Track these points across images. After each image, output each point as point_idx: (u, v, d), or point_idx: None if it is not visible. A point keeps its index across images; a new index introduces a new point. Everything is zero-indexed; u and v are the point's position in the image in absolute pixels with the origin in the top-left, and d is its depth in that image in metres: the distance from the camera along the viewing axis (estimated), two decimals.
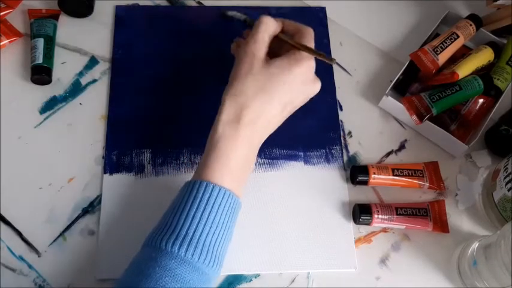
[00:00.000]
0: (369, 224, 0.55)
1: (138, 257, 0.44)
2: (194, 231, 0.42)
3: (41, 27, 0.61)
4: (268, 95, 0.48)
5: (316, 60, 0.51)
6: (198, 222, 0.43)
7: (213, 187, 0.44)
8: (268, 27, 0.50)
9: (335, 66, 0.65)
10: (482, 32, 0.65)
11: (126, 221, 0.54)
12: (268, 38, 0.50)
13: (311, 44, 0.51)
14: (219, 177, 0.45)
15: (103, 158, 0.57)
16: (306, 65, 0.49)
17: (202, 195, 0.44)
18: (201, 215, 0.43)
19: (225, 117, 0.47)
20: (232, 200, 0.45)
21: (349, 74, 0.65)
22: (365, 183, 0.57)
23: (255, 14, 0.67)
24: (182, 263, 0.41)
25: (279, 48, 0.52)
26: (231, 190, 0.45)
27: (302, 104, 0.52)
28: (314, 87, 0.51)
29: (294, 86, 0.49)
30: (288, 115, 0.51)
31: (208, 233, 0.43)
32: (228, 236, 0.46)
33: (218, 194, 0.44)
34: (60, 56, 0.62)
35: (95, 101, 0.60)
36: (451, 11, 0.66)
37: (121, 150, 0.57)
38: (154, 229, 0.45)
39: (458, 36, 0.62)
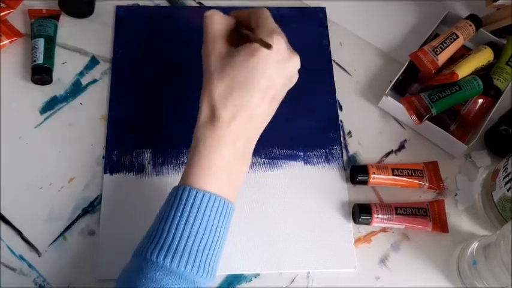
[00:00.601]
0: (368, 223, 0.55)
1: (128, 267, 0.43)
2: (179, 240, 0.41)
3: (41, 27, 0.61)
4: (241, 87, 0.44)
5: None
6: (183, 231, 0.41)
7: (196, 193, 0.42)
8: (215, 24, 0.47)
9: (335, 66, 0.65)
10: (481, 32, 0.65)
11: (126, 221, 0.54)
12: (220, 33, 0.47)
13: (267, 22, 0.47)
14: (202, 182, 0.43)
15: (103, 158, 0.57)
16: (275, 42, 0.45)
17: (185, 202, 0.42)
18: (185, 222, 0.42)
19: (202, 119, 0.45)
20: (220, 204, 0.43)
21: (349, 74, 0.65)
22: (365, 183, 0.57)
23: None
24: (168, 273, 0.40)
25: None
26: (217, 194, 0.43)
27: (287, 86, 0.48)
28: (291, 63, 0.46)
29: (267, 67, 0.45)
30: (276, 103, 0.48)
31: (194, 241, 0.41)
32: (219, 242, 0.44)
33: (202, 199, 0.42)
34: (60, 56, 0.62)
35: (95, 101, 0.60)
36: (450, 11, 0.66)
37: (121, 150, 0.58)
38: (144, 238, 0.44)
39: (458, 37, 0.62)
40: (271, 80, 0.45)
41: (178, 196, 0.43)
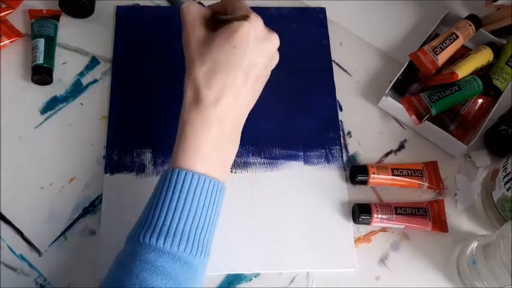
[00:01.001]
0: (368, 223, 0.55)
1: (122, 252, 0.44)
2: (171, 222, 0.42)
3: (41, 27, 0.62)
4: (223, 68, 0.45)
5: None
6: (174, 212, 0.42)
7: (186, 174, 0.43)
8: (192, 13, 0.48)
9: (335, 67, 0.65)
10: (481, 32, 0.65)
11: (126, 221, 0.54)
12: (198, 20, 0.48)
13: (242, 5, 0.48)
14: (192, 164, 0.44)
15: (104, 158, 0.57)
16: (253, 19, 0.46)
17: (175, 184, 0.43)
18: (176, 204, 0.42)
19: (187, 102, 0.46)
20: (210, 185, 0.44)
21: (348, 74, 0.65)
22: (364, 183, 0.57)
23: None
24: (162, 254, 0.41)
25: None
26: (206, 175, 0.44)
27: (269, 66, 0.49)
28: (270, 41, 0.47)
29: (247, 45, 0.45)
30: (260, 84, 0.49)
31: (186, 222, 0.42)
32: (211, 222, 0.44)
33: (192, 180, 0.43)
34: (61, 56, 0.62)
35: (95, 101, 0.60)
36: (450, 11, 0.66)
37: (122, 150, 0.58)
38: (136, 222, 0.44)
39: (457, 37, 0.62)
40: (253, 59, 0.46)
41: (168, 179, 0.43)
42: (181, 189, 0.43)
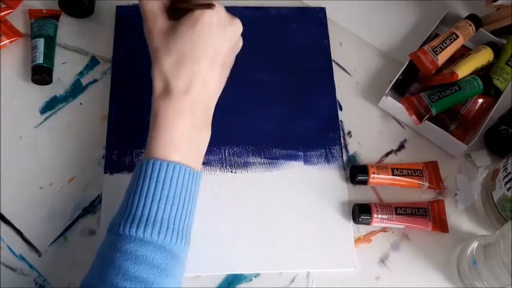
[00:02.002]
0: (368, 223, 0.55)
1: (103, 245, 0.44)
2: (149, 211, 0.42)
3: (41, 27, 0.61)
4: (189, 57, 0.45)
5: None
6: (152, 202, 0.42)
7: (161, 164, 0.43)
8: (151, 4, 0.47)
9: (335, 67, 0.65)
10: (481, 32, 0.65)
11: None
12: (158, 9, 0.47)
13: None
14: (166, 153, 0.44)
15: (103, 157, 0.57)
16: (214, 8, 0.46)
17: (151, 174, 0.43)
18: (153, 193, 0.43)
19: (157, 93, 0.46)
20: (186, 173, 0.44)
21: (349, 74, 0.65)
22: (364, 183, 0.57)
23: (254, 14, 0.67)
24: (142, 244, 0.41)
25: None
26: (179, 162, 0.44)
27: (234, 51, 0.50)
28: (233, 26, 0.48)
29: (211, 33, 0.46)
30: (227, 68, 0.50)
31: (164, 210, 0.43)
32: (188, 210, 0.45)
33: (167, 169, 0.43)
34: (60, 56, 0.62)
35: (95, 101, 0.60)
36: (450, 11, 0.66)
37: (121, 150, 0.58)
38: (115, 214, 0.45)
39: (457, 37, 0.62)
40: (218, 46, 0.47)
41: (143, 170, 0.44)
42: (157, 178, 0.43)
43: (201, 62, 0.46)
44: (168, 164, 0.43)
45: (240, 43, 0.50)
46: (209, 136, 0.48)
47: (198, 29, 0.45)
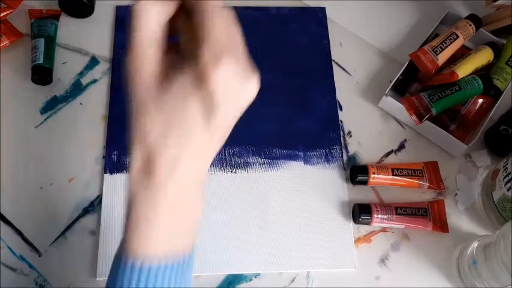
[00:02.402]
0: (368, 223, 0.55)
1: None
2: None
3: (41, 27, 0.61)
4: (181, 126, 0.32)
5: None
6: None
7: (140, 269, 0.34)
8: (149, 24, 0.32)
9: (335, 66, 0.65)
10: (481, 32, 0.65)
11: None
12: (155, 38, 0.32)
13: (212, 33, 0.32)
14: (144, 247, 0.34)
15: (103, 157, 0.57)
16: (224, 69, 0.30)
17: (129, 281, 0.34)
18: None
19: (135, 170, 0.33)
20: (171, 271, 0.35)
21: (349, 74, 0.65)
22: (365, 183, 0.57)
23: (254, 14, 0.67)
24: None
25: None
26: (166, 253, 0.35)
27: (239, 114, 0.34)
28: (246, 91, 0.32)
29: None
30: (227, 133, 0.35)
31: None
32: None
33: (148, 275, 0.34)
34: (60, 56, 0.62)
35: (95, 101, 0.60)
36: (450, 11, 0.66)
37: (121, 150, 0.58)
38: None
39: (457, 37, 0.62)
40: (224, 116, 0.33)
41: (120, 271, 0.35)
42: (136, 285, 0.34)
43: (195, 134, 0.33)
44: (149, 270, 0.34)
45: (251, 100, 0.34)
46: (202, 205, 0.37)
47: (196, 95, 0.31)
